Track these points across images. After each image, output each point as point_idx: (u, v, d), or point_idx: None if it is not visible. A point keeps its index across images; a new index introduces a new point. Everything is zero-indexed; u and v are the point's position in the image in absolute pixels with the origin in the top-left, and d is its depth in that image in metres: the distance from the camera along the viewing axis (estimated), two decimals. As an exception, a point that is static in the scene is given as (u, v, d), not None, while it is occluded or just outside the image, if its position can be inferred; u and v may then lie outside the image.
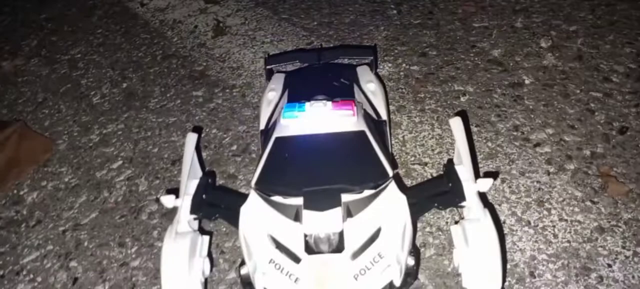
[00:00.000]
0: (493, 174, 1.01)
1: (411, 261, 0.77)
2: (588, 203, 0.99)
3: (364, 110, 0.95)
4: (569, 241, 0.93)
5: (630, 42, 1.35)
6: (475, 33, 1.43)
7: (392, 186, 0.79)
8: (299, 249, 0.74)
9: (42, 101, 1.40)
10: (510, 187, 1.03)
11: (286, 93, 1.03)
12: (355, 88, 1.03)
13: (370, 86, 1.06)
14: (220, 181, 1.11)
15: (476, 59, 1.34)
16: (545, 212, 0.98)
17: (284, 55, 1.22)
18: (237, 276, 0.85)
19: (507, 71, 1.30)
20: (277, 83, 1.08)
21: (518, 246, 0.93)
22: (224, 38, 1.52)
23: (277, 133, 0.85)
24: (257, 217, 0.78)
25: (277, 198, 0.78)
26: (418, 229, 0.98)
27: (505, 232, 0.96)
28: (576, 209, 0.98)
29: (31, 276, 0.99)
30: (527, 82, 1.26)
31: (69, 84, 1.44)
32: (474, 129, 1.15)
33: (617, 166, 1.05)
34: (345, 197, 0.76)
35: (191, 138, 0.95)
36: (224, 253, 0.98)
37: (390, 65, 1.35)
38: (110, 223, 1.06)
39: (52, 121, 1.33)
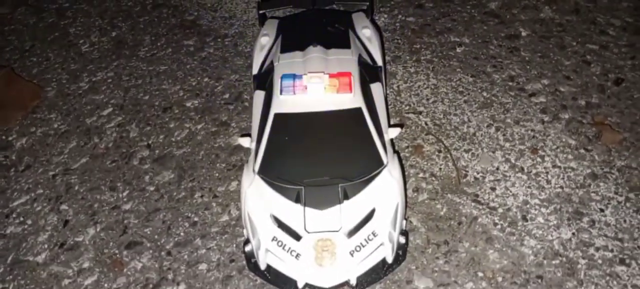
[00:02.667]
0: (400, 125, 1.03)
1: (402, 240, 0.81)
2: (582, 151, 0.99)
3: (360, 61, 0.94)
4: (562, 187, 0.93)
5: (628, -4, 1.34)
6: (472, -14, 1.40)
7: (386, 171, 0.82)
8: (299, 227, 0.78)
9: (29, 49, 1.36)
10: (504, 135, 1.03)
11: (280, 39, 1.01)
12: (351, 35, 1.01)
13: (365, 32, 1.04)
14: (212, 129, 1.10)
15: (473, 11, 1.32)
16: (539, 159, 0.98)
17: (277, 0, 1.20)
18: (241, 252, 0.87)
19: (503, 23, 1.28)
20: (270, 28, 1.06)
21: (511, 191, 0.93)
22: (216, -12, 1.48)
23: (276, 108, 0.85)
24: (261, 199, 0.81)
25: (278, 183, 0.81)
26: (411, 175, 0.97)
27: (498, 178, 0.96)
28: (570, 157, 0.98)
29: (21, 218, 0.98)
30: (523, 34, 1.25)
31: (57, 33, 1.40)
32: (469, 79, 1.14)
33: (612, 115, 1.05)
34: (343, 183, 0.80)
35: (259, 94, 0.94)
36: (217, 197, 0.97)
37: (386, 16, 1.33)
38: (101, 167, 1.05)
39: (40, 68, 1.30)
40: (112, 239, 0.93)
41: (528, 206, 0.91)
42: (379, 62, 1.00)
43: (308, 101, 0.85)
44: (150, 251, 0.90)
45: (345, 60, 0.93)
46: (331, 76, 0.86)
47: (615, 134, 1.01)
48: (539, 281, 0.81)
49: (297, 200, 0.79)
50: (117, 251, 0.91)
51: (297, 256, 0.77)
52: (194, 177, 1.01)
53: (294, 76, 0.87)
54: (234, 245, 0.89)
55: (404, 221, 0.83)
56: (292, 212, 0.79)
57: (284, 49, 0.96)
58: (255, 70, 1.00)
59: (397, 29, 1.29)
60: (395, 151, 0.90)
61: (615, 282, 0.81)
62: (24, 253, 0.93)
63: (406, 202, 0.88)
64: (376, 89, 0.93)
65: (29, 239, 0.94)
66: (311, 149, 0.83)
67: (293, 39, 0.99)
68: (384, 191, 0.80)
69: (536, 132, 1.03)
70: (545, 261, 0.84)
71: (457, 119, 1.06)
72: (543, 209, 0.90)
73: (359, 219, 0.79)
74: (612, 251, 0.84)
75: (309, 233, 0.78)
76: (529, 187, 0.94)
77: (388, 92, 1.12)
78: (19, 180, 1.05)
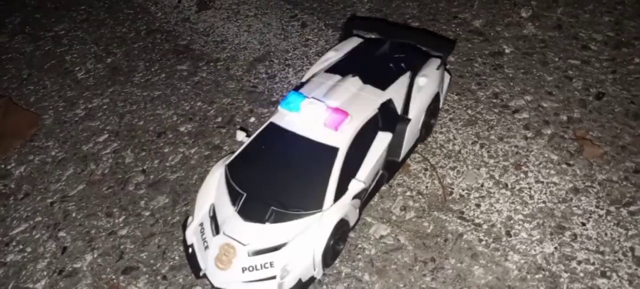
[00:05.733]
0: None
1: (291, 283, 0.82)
2: (564, 166, 1.02)
3: (385, 106, 0.94)
4: (544, 202, 0.96)
5: (609, 11, 1.37)
6: (457, 4, 1.44)
7: (317, 216, 0.84)
8: (221, 225, 0.85)
9: (26, 77, 1.40)
10: (488, 152, 1.06)
11: (341, 59, 1.06)
12: (403, 77, 1.00)
13: (421, 80, 1.02)
14: (205, 153, 1.13)
15: (458, 29, 1.36)
16: (522, 175, 1.01)
17: (367, 23, 1.23)
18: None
19: (488, 41, 1.32)
20: (346, 45, 1.10)
21: (495, 208, 0.96)
22: (207, 12, 1.52)
23: (274, 118, 0.92)
24: (213, 187, 0.90)
25: (232, 182, 0.88)
26: (399, 193, 1.00)
27: (482, 194, 0.99)
28: (552, 172, 1.01)
29: (21, 246, 1.01)
30: (507, 51, 1.28)
31: (54, 60, 1.44)
32: (454, 97, 1.18)
33: (593, 129, 1.08)
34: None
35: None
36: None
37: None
38: (97, 194, 1.08)
39: (38, 96, 1.33)
40: (109, 264, 0.95)
41: (512, 221, 0.94)
42: (413, 115, 0.98)
43: (300, 123, 0.89)
44: (147, 276, 0.93)
45: (369, 100, 0.94)
46: (330, 108, 0.89)
47: (596, 148, 1.04)
48: (523, 295, 0.84)
49: (234, 203, 0.85)
50: (114, 277, 0.93)
51: (206, 248, 0.84)
52: (188, 201, 1.04)
53: (301, 95, 0.91)
54: (228, 268, 0.92)
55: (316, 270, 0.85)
56: (225, 210, 0.86)
57: (330, 69, 1.01)
58: (304, 78, 1.04)
59: (384, 49, 1.32)
60: (360, 207, 0.92)
61: (596, 294, 0.83)
62: (24, 281, 0.95)
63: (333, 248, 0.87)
64: (381, 138, 0.94)
65: (28, 267, 0.97)
66: (276, 165, 0.89)
67: (347, 62, 1.03)
68: (306, 233, 0.83)
69: (519, 148, 1.06)
70: (528, 276, 0.86)
71: (443, 136, 1.09)
72: (526, 225, 0.93)
73: (267, 244, 0.82)
74: (593, 264, 0.87)
75: (224, 234, 0.83)
76: (512, 203, 0.97)
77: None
78: (18, 208, 1.08)
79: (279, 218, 0.83)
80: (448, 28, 1.36)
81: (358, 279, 0.88)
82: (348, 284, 0.88)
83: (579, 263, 0.87)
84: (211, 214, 0.87)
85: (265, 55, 1.35)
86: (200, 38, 1.44)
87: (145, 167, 1.11)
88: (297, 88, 0.98)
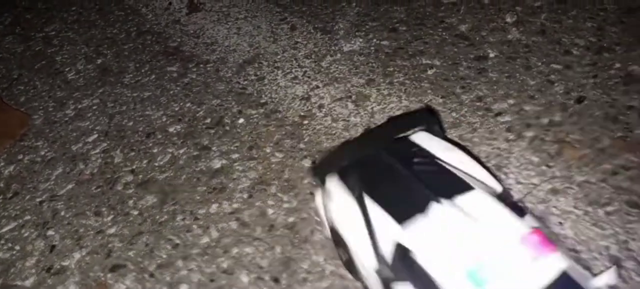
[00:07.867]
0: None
1: None
2: (544, 167, 1.05)
3: None
4: (524, 203, 0.99)
5: (591, 17, 1.40)
6: (444, 9, 1.47)
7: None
8: None
9: (17, 78, 1.41)
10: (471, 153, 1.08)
11: None
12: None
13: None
14: (194, 153, 1.14)
15: (444, 33, 1.38)
16: (503, 176, 1.03)
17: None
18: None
19: (473, 45, 1.34)
20: None
21: (477, 208, 0.98)
22: (198, 14, 1.54)
23: None
24: None
25: None
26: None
27: (465, 195, 1.01)
28: (532, 173, 1.03)
29: (10, 244, 1.02)
30: (491, 55, 1.31)
31: (44, 61, 1.45)
32: (439, 100, 1.20)
33: (573, 132, 1.10)
34: None
35: None
36: (198, 219, 1.02)
37: (361, 40, 1.39)
38: (86, 193, 1.09)
39: (28, 96, 1.34)
40: (97, 262, 0.97)
41: (492, 221, 0.96)
42: None
43: None
44: (134, 273, 0.94)
45: None
46: None
47: (576, 150, 1.07)
48: (502, 293, 0.86)
49: None
50: (102, 274, 0.95)
51: None
52: (176, 200, 1.05)
53: None
54: (214, 266, 0.94)
55: None
56: None
57: None
58: None
59: (371, 53, 1.34)
60: None
61: (572, 292, 0.86)
62: (12, 278, 0.96)
63: None
64: None
65: (17, 265, 0.98)
66: None
67: None
68: None
69: (501, 150, 1.08)
70: (507, 274, 0.88)
71: (427, 139, 1.12)
72: (506, 225, 0.95)
73: None
74: (570, 263, 0.89)
75: None
76: (493, 203, 0.99)
77: (363, 114, 1.17)
78: (7, 207, 1.09)
79: None
80: (434, 32, 1.39)
81: (341, 277, 0.90)
82: (332, 282, 0.89)
83: (557, 262, 0.90)
84: None
85: (254, 58, 1.37)
86: (190, 40, 1.45)
87: (134, 167, 1.13)
88: None
